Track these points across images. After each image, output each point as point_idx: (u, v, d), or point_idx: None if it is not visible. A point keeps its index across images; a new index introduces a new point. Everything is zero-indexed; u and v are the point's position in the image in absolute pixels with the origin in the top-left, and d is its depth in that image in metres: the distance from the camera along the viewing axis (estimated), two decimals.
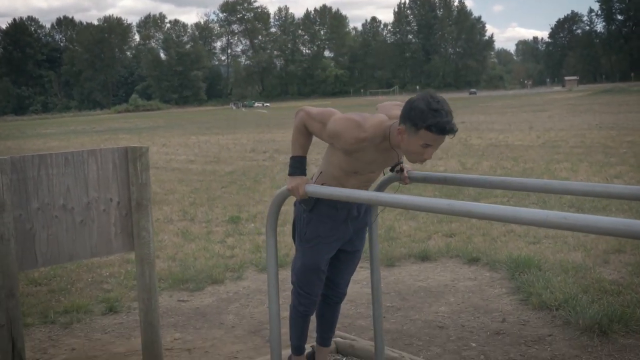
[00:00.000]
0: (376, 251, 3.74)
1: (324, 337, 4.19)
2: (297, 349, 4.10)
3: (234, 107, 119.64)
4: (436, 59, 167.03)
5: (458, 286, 6.04)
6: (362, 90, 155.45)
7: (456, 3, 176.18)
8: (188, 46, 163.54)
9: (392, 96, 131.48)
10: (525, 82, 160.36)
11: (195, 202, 11.43)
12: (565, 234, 7.47)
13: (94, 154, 4.28)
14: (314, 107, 3.54)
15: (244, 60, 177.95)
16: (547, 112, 37.58)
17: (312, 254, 3.73)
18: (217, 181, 13.95)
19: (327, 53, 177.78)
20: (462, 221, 8.53)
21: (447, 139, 3.11)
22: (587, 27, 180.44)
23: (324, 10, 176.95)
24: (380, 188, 3.62)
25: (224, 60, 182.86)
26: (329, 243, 3.70)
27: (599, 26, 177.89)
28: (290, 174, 3.47)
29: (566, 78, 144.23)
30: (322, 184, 3.56)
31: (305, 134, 3.51)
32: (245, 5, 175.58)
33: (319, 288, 3.86)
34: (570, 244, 7.05)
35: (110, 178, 4.33)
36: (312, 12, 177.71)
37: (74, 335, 5.40)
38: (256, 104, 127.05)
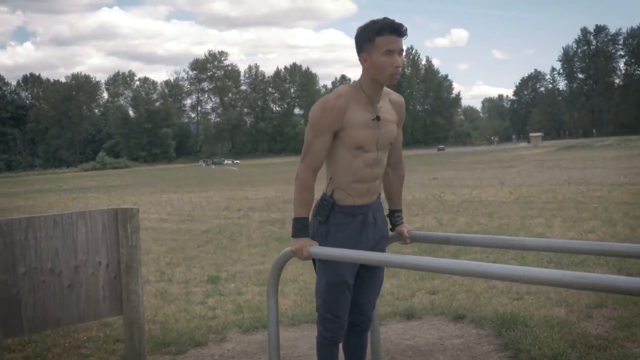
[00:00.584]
0: (375, 310, 3.69)
1: None
2: None
3: (204, 165, 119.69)
4: (405, 116, 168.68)
5: (446, 344, 5.98)
6: None
7: (424, 62, 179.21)
8: (157, 104, 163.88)
9: None
10: (492, 138, 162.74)
11: (172, 262, 11.29)
12: (547, 290, 7.48)
13: (83, 216, 4.22)
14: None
15: (213, 118, 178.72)
16: (516, 168, 38.02)
17: (336, 268, 3.59)
18: (193, 240, 13.82)
19: (297, 110, 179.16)
20: (444, 278, 8.50)
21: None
22: (550, 85, 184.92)
23: (294, 68, 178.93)
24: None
25: (194, 117, 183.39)
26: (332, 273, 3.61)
27: (562, 84, 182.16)
28: (293, 236, 3.43)
29: (531, 134, 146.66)
30: (333, 190, 3.54)
31: (308, 187, 3.51)
32: (216, 63, 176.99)
33: (345, 308, 3.68)
34: (553, 300, 7.04)
35: (100, 240, 4.27)
36: (282, 70, 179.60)
37: None
38: (226, 161, 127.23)
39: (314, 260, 3.76)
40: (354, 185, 3.50)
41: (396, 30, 3.26)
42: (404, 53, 3.36)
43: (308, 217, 3.53)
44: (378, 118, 3.46)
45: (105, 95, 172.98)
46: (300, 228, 3.47)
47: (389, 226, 3.78)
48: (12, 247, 3.91)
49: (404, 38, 3.31)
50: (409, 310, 7.04)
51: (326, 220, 3.56)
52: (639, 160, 38.25)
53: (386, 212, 3.87)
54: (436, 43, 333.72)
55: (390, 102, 3.64)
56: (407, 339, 6.29)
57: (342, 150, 3.48)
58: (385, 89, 3.60)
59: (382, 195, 3.85)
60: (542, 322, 6.17)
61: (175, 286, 9.30)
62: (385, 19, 3.29)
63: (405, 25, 3.33)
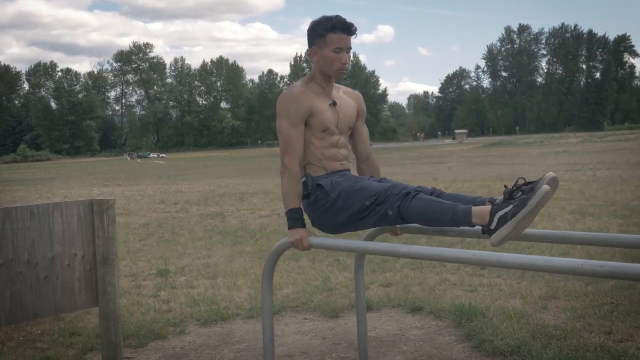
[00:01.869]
0: (362, 302, 3.74)
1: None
2: (463, 211, 3.24)
3: (129, 158, 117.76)
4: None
5: (407, 335, 6.09)
6: (259, 142, 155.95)
7: (351, 57, 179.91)
8: (80, 95, 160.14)
9: None
10: (418, 134, 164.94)
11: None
12: (500, 282, 7.68)
13: (59, 207, 4.15)
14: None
15: (138, 111, 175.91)
16: (446, 164, 38.71)
17: (362, 184, 3.50)
18: (133, 234, 13.64)
19: (223, 104, 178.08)
20: (396, 271, 8.64)
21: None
22: (475, 83, 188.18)
23: (221, 61, 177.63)
24: (371, 239, 3.64)
25: (118, 110, 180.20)
26: (358, 188, 3.47)
27: (486, 82, 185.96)
28: (291, 227, 3.44)
29: (456, 131, 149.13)
30: (305, 165, 3.68)
31: (297, 178, 3.57)
32: (141, 55, 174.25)
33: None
34: (506, 292, 7.22)
35: (75, 232, 4.21)
36: (209, 63, 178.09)
37: None
38: (151, 155, 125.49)
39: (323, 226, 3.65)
40: (325, 161, 3.69)
41: (347, 29, 3.53)
42: (351, 50, 3.66)
43: (301, 207, 3.56)
44: (334, 103, 3.69)
45: (26, 86, 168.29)
46: (297, 219, 3.49)
47: None
48: None
49: (353, 37, 3.59)
50: (366, 302, 7.11)
51: (309, 195, 3.60)
52: (563, 157, 39.48)
53: None
54: (362, 39, 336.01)
55: (344, 93, 3.88)
56: (368, 330, 6.36)
57: (309, 136, 3.65)
58: (336, 84, 3.87)
59: None
60: (499, 313, 6.34)
61: (123, 279, 9.18)
62: (337, 17, 3.55)
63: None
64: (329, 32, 3.53)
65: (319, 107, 3.62)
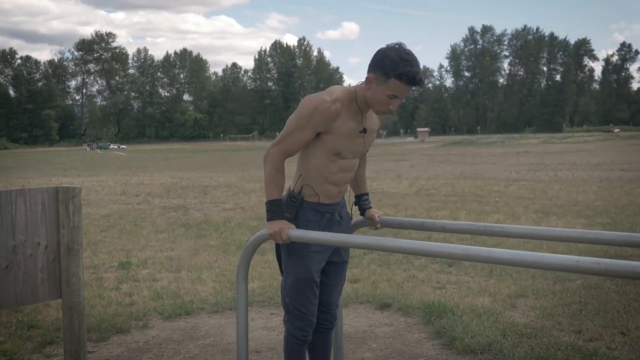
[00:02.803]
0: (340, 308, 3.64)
1: None
2: None
3: (88, 149, 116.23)
4: (295, 106, 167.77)
5: (376, 332, 6.01)
6: (221, 135, 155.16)
7: (315, 53, 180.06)
8: (40, 84, 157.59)
9: (251, 142, 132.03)
10: (381, 132, 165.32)
11: None
12: (467, 280, 7.66)
13: (22, 193, 3.99)
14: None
15: (99, 101, 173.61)
16: (409, 162, 38.83)
17: (304, 264, 3.52)
18: (94, 225, 13.39)
19: (186, 97, 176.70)
20: (363, 267, 8.58)
21: None
22: (438, 82, 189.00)
23: (184, 53, 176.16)
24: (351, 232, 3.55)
25: (79, 99, 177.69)
26: (319, 251, 3.51)
27: (448, 81, 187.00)
28: (269, 219, 3.31)
29: (418, 129, 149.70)
30: (302, 187, 3.49)
31: (280, 169, 3.40)
32: (103, 44, 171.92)
33: (314, 306, 3.62)
34: (475, 289, 7.20)
35: (39, 220, 4.04)
36: (172, 55, 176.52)
37: None
38: (111, 146, 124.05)
39: (279, 258, 3.67)
40: (324, 186, 3.48)
41: (413, 83, 3.19)
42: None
43: (281, 198, 3.42)
44: (365, 130, 3.45)
45: None
46: (276, 210, 3.34)
47: (358, 211, 3.77)
48: None
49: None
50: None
51: (295, 217, 3.49)
52: (525, 157, 39.84)
53: (352, 200, 3.86)
54: (327, 35, 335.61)
55: (373, 113, 3.62)
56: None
57: (319, 153, 3.42)
58: None
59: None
60: (468, 311, 6.31)
61: (84, 271, 8.97)
62: (409, 65, 3.16)
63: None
64: (397, 78, 3.15)
65: (341, 130, 3.36)
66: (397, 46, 3.23)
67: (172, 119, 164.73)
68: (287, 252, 3.51)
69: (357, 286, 7.62)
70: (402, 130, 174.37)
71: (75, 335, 4.19)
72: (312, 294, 3.57)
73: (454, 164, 34.49)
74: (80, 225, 4.18)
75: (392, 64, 3.13)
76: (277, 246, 3.64)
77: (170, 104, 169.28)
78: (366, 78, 3.27)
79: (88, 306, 7.10)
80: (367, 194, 3.87)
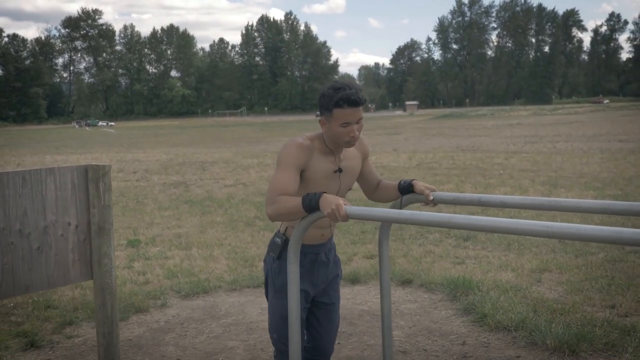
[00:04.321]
0: (387, 275, 3.54)
1: None
2: None
3: (77, 126, 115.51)
4: (283, 81, 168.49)
5: (402, 309, 5.93)
6: (209, 111, 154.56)
7: (302, 27, 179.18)
8: (27, 62, 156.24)
9: (239, 117, 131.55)
10: (369, 106, 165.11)
11: None
12: (487, 254, 7.58)
13: (52, 172, 3.85)
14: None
15: (87, 78, 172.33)
16: (401, 135, 38.75)
17: (286, 303, 3.44)
18: None
19: (174, 73, 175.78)
20: (376, 242, 8.47)
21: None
22: (426, 55, 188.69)
23: (171, 29, 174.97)
24: (400, 207, 3.43)
25: (66, 77, 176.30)
26: (302, 292, 3.45)
27: (436, 54, 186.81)
28: (319, 199, 3.02)
29: (407, 102, 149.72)
30: (287, 228, 3.46)
31: (281, 198, 3.14)
32: (89, 22, 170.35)
33: (301, 340, 3.54)
34: (495, 264, 7.12)
35: (69, 200, 3.91)
36: (159, 31, 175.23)
37: None
38: (100, 123, 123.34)
39: (266, 294, 3.63)
40: (309, 230, 3.36)
41: (353, 103, 3.18)
42: (362, 119, 3.28)
43: (305, 194, 3.15)
44: (340, 170, 3.42)
45: None
46: (312, 197, 3.05)
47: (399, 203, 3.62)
48: None
49: (361, 107, 3.25)
50: (353, 274, 6.97)
51: (279, 257, 3.48)
52: (518, 129, 39.81)
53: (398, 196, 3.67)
54: (314, 9, 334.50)
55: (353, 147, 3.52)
56: (359, 303, 6.20)
57: (300, 194, 3.27)
58: None
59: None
60: (494, 287, 6.22)
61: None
62: (343, 90, 3.17)
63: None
64: (335, 107, 3.19)
65: (316, 170, 3.32)
66: (331, 84, 3.30)
67: (160, 95, 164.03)
68: (273, 289, 3.52)
69: (374, 262, 7.52)
70: (390, 104, 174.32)
71: (107, 317, 4.08)
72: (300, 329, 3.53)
73: (448, 137, 34.42)
74: (111, 204, 4.05)
75: (328, 98, 3.22)
76: (266, 282, 3.62)
77: (157, 81, 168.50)
78: (320, 123, 3.35)
79: None
80: (402, 180, 3.69)
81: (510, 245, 7.85)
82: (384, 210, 2.87)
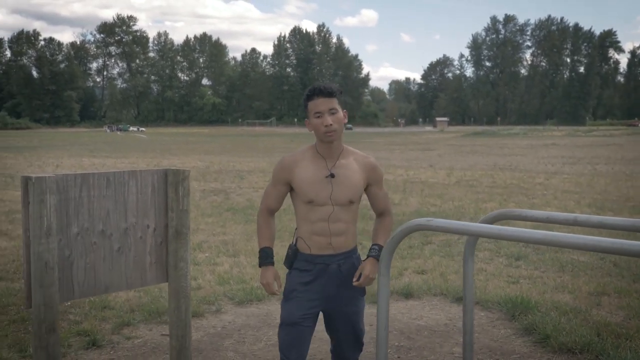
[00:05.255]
0: (471, 292, 3.53)
1: None
2: None
3: (108, 130, 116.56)
4: None
5: (458, 326, 5.89)
6: (239, 120, 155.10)
7: (334, 40, 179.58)
8: (62, 65, 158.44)
9: (269, 127, 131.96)
10: (399, 120, 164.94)
11: None
12: (541, 275, 7.53)
13: (134, 175, 3.89)
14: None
15: (120, 83, 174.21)
16: (435, 151, 38.59)
17: (289, 307, 3.70)
18: None
19: (205, 81, 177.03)
20: (425, 257, 8.47)
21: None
22: (458, 71, 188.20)
23: (204, 38, 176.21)
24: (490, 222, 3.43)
25: (99, 82, 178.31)
26: (307, 299, 3.63)
27: (469, 71, 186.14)
28: (259, 265, 3.80)
29: (437, 119, 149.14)
30: (297, 239, 3.73)
31: (265, 223, 3.83)
32: (124, 27, 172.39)
33: (296, 350, 3.65)
34: (550, 285, 7.05)
35: (149, 202, 3.95)
36: (192, 39, 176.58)
37: None
38: (131, 128, 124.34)
39: None
40: (313, 237, 3.62)
41: (320, 92, 3.47)
42: (338, 111, 3.52)
43: (269, 247, 3.79)
44: (332, 175, 3.58)
45: (8, 53, 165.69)
46: (263, 257, 3.76)
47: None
48: (67, 205, 3.56)
49: (333, 98, 3.50)
50: (406, 289, 6.95)
51: (290, 266, 3.75)
52: (554, 150, 39.47)
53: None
54: (346, 22, 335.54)
55: (356, 162, 3.70)
56: (415, 318, 6.19)
57: (298, 202, 3.67)
58: (351, 149, 3.74)
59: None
60: (552, 308, 6.16)
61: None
62: (310, 87, 3.56)
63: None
64: (308, 100, 3.53)
65: (304, 177, 3.59)
66: None
67: (191, 102, 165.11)
68: (283, 291, 3.79)
69: (426, 277, 7.51)
70: (420, 119, 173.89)
71: (182, 320, 4.11)
72: (293, 339, 3.64)
73: (483, 155, 34.22)
74: (189, 209, 4.08)
75: (304, 96, 3.57)
76: None
77: (189, 88, 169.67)
78: (305, 124, 3.65)
79: (155, 289, 7.04)
80: (375, 244, 3.67)
81: (565, 267, 7.78)
82: (472, 225, 2.88)
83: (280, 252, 4.06)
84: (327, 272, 3.62)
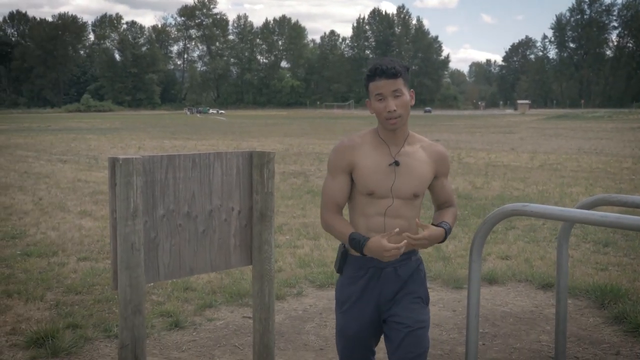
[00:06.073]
0: (565, 279, 3.39)
1: None
2: None
3: (189, 113, 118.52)
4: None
5: (545, 313, 5.74)
6: (317, 103, 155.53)
7: (414, 22, 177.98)
8: (144, 48, 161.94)
9: (347, 110, 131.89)
10: (479, 103, 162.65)
11: None
12: (630, 262, 7.28)
13: (220, 157, 3.86)
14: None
15: (200, 66, 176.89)
16: (516, 134, 37.86)
17: (343, 320, 3.33)
18: None
19: (284, 64, 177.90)
20: (509, 243, 8.30)
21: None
22: (540, 53, 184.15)
23: (283, 20, 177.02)
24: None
25: (180, 64, 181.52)
26: (360, 311, 3.26)
27: (552, 53, 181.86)
28: (363, 249, 3.05)
29: (518, 101, 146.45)
30: (345, 247, 3.30)
31: (335, 220, 3.26)
32: (204, 10, 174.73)
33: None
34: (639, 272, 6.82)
35: (234, 185, 3.91)
36: (272, 21, 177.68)
37: (148, 353, 4.93)
38: (210, 111, 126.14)
39: None
40: (368, 235, 3.13)
41: (383, 73, 3.03)
42: (403, 93, 3.06)
43: (354, 231, 3.16)
44: (397, 163, 3.14)
45: (92, 37, 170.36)
46: (357, 239, 3.08)
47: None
48: (153, 187, 3.56)
49: (398, 78, 3.04)
50: (490, 274, 6.82)
51: (340, 270, 3.33)
52: None
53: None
54: (426, 3, 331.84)
55: (423, 150, 3.25)
56: (499, 305, 6.05)
57: (356, 194, 3.24)
58: (417, 136, 3.28)
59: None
60: None
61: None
62: (374, 63, 3.09)
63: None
64: (369, 81, 3.10)
65: (365, 164, 3.16)
66: None
67: (270, 85, 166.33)
68: (335, 300, 3.43)
69: (510, 263, 7.35)
70: (501, 102, 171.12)
71: (265, 304, 4.08)
72: (351, 350, 3.36)
73: (566, 138, 33.37)
74: (274, 191, 4.04)
75: (365, 75, 3.14)
76: None
77: (268, 71, 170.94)
78: (367, 105, 3.22)
79: (236, 271, 7.08)
80: (446, 222, 3.21)
81: None
82: (570, 210, 2.75)
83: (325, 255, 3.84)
84: (382, 276, 3.20)
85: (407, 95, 3.07)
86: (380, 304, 3.22)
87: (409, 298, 3.20)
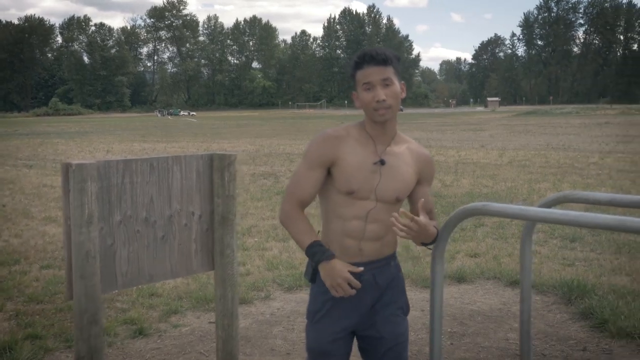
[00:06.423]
0: (528, 278, 3.35)
1: None
2: None
3: (159, 115, 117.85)
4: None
5: (513, 310, 5.72)
6: (289, 103, 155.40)
7: (385, 21, 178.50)
8: (113, 50, 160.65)
9: (319, 110, 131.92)
10: (450, 101, 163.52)
11: None
12: (597, 257, 7.30)
13: (178, 160, 3.76)
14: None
15: (170, 68, 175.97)
16: (486, 132, 38.05)
17: (315, 332, 3.06)
18: None
19: (255, 64, 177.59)
20: (478, 240, 8.29)
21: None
22: (509, 51, 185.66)
23: (254, 21, 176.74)
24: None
25: (150, 66, 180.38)
26: (335, 318, 2.98)
27: (520, 50, 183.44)
28: (317, 263, 2.85)
29: (488, 99, 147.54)
30: (326, 241, 2.98)
31: (297, 218, 2.98)
32: (174, 12, 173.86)
33: None
34: (607, 268, 6.84)
35: (194, 188, 3.83)
36: (242, 22, 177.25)
37: None
38: (182, 112, 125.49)
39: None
40: (343, 241, 2.93)
41: (372, 59, 2.81)
42: (393, 82, 2.83)
43: (316, 240, 2.90)
44: (382, 162, 2.90)
45: (59, 39, 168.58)
46: (317, 252, 2.84)
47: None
48: (109, 193, 3.46)
49: (388, 66, 2.82)
50: (458, 272, 6.81)
51: (312, 279, 3.02)
52: (608, 129, 38.51)
53: None
54: (396, 3, 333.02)
55: (409, 151, 3.02)
56: (468, 303, 6.03)
57: (332, 193, 2.96)
58: (404, 136, 3.06)
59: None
60: (610, 291, 5.95)
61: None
62: (362, 50, 2.88)
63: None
64: (356, 69, 2.85)
65: (349, 159, 2.88)
66: None
67: (241, 86, 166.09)
68: (307, 316, 3.14)
69: (479, 261, 7.34)
70: (471, 100, 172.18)
71: (228, 309, 3.99)
72: None
73: (535, 135, 33.62)
74: (235, 195, 3.95)
75: (351, 64, 2.89)
76: None
77: (239, 72, 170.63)
78: (352, 98, 2.95)
79: (204, 276, 6.97)
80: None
81: (622, 249, 7.52)
82: (530, 209, 2.69)
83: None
84: (362, 284, 2.89)
85: (398, 86, 2.85)
86: (357, 314, 2.99)
87: (389, 309, 3.04)
